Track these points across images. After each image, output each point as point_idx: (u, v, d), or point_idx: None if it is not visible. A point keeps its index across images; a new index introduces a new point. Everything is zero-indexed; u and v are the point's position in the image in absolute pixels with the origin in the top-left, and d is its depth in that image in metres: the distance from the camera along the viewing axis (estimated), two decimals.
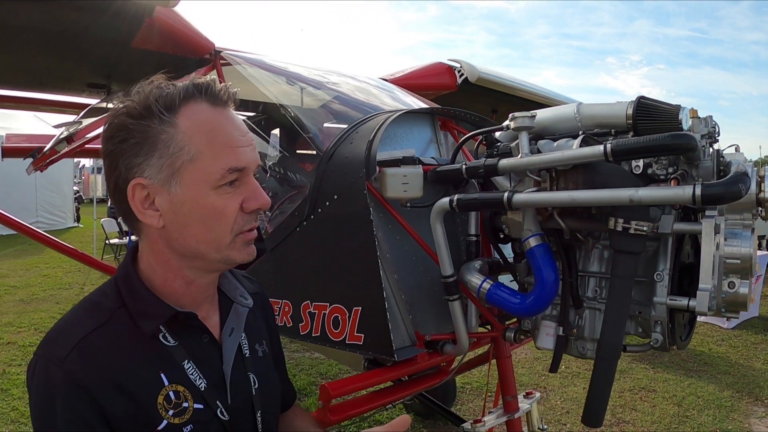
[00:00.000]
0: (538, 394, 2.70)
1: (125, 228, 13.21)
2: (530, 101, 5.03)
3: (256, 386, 1.25)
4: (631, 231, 1.59)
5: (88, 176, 30.74)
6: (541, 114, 1.84)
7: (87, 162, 26.05)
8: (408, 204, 2.12)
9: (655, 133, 1.59)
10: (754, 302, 9.39)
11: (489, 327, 2.37)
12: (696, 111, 1.71)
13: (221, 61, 3.20)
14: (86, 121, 3.75)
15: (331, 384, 2.07)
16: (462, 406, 5.20)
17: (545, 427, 2.75)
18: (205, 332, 1.18)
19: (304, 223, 2.39)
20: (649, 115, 1.68)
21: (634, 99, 1.73)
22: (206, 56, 3.17)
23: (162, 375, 1.08)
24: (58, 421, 1.02)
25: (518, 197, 1.75)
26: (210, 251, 1.12)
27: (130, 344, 1.08)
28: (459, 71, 4.78)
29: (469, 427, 2.42)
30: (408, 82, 4.56)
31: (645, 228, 1.58)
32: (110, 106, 3.46)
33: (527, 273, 1.98)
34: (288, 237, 2.48)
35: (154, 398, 1.06)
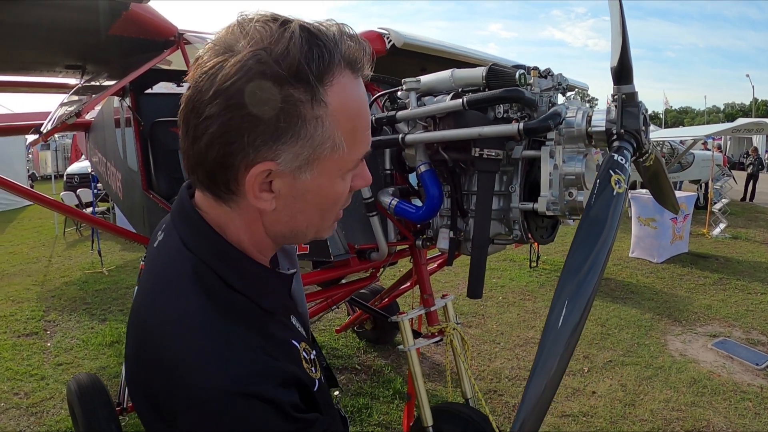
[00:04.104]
0: (452, 296, 3.42)
1: (85, 201, 13.51)
2: (453, 60, 5.52)
3: (302, 310, 1.19)
4: (485, 156, 2.25)
5: (38, 153, 30.34)
6: (426, 78, 2.50)
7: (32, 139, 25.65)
8: None
9: (499, 89, 2.24)
10: (683, 239, 10.05)
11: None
12: (537, 71, 2.30)
13: (184, 42, 3.55)
14: (77, 98, 4.18)
15: None
16: None
17: (460, 321, 3.48)
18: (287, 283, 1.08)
19: None
20: (496, 77, 2.30)
21: (487, 66, 2.35)
22: (171, 38, 3.52)
23: (293, 341, 0.97)
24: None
25: (409, 137, 2.46)
26: (311, 233, 0.99)
27: (266, 327, 0.93)
28: (387, 38, 5.26)
29: (397, 318, 3.15)
30: None
31: (494, 153, 2.25)
32: (105, 84, 3.94)
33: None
34: None
35: (302, 366, 0.95)
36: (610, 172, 1.82)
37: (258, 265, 0.97)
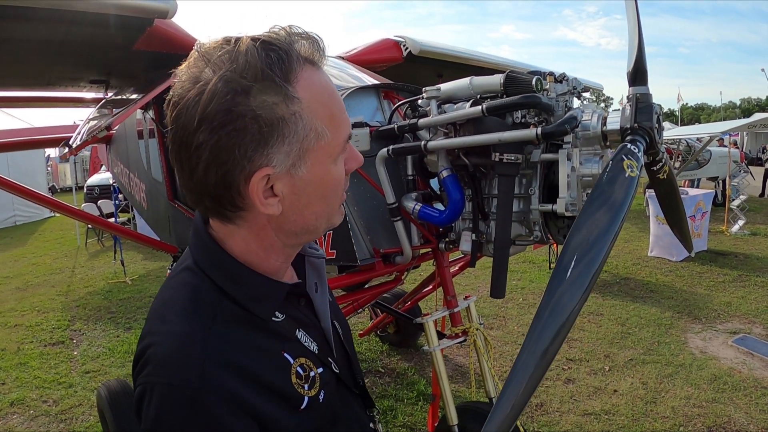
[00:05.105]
0: (474, 297, 3.47)
1: (105, 212, 13.70)
2: (468, 65, 5.55)
3: (341, 331, 1.24)
4: (505, 160, 2.31)
5: (56, 166, 30.75)
6: (446, 86, 2.57)
7: (52, 152, 26.03)
8: None
9: (517, 96, 2.30)
10: (702, 237, 9.96)
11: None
12: (553, 76, 2.36)
13: None
14: (99, 113, 4.30)
15: None
16: None
17: (483, 322, 3.52)
18: (302, 296, 1.13)
19: None
20: (514, 83, 2.36)
21: (504, 73, 2.40)
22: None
23: (285, 354, 0.99)
24: None
25: (431, 143, 2.54)
26: (323, 224, 1.03)
27: (249, 334, 0.96)
28: (404, 45, 5.27)
29: (421, 319, 3.21)
30: (361, 58, 5.03)
31: (513, 158, 2.31)
32: (131, 97, 4.05)
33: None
34: None
35: (289, 380, 0.98)
36: (623, 156, 1.82)
37: (253, 273, 1.00)
